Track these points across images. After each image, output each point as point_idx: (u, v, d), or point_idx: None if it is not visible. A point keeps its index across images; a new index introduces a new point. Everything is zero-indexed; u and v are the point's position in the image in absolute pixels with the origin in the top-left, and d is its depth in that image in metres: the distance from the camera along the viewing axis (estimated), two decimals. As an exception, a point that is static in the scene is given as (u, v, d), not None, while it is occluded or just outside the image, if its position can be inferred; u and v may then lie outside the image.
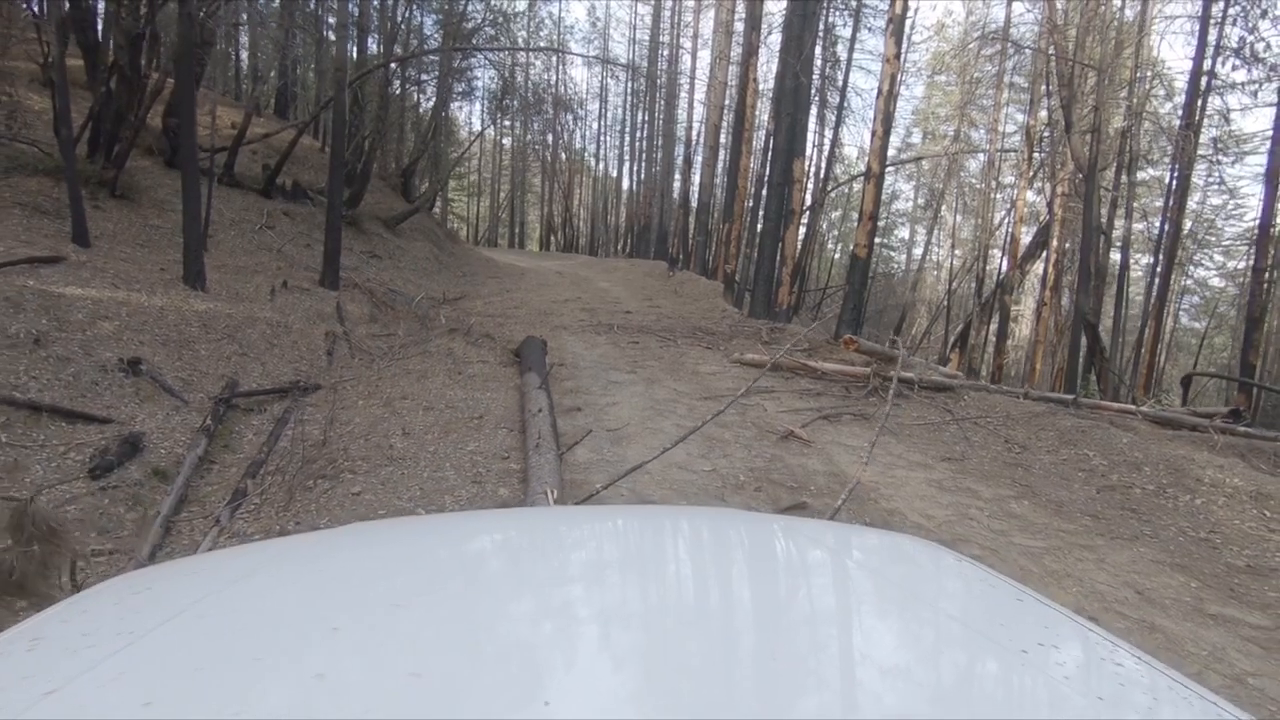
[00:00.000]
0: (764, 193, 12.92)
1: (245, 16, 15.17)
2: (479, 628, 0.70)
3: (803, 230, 18.57)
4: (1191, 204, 20.48)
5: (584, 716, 0.54)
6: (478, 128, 35.69)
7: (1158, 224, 13.78)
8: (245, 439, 5.03)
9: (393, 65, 14.72)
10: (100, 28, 10.93)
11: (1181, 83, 12.51)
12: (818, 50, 16.98)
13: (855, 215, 27.52)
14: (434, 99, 18.49)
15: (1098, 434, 5.07)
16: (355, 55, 14.44)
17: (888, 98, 9.27)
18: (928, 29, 29.06)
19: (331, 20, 17.88)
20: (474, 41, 17.63)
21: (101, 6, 11.18)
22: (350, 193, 12.99)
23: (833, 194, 24.10)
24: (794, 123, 10.05)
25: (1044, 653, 0.74)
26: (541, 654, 0.66)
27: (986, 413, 5.69)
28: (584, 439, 4.40)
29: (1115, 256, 13.81)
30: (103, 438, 4.25)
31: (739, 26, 18.52)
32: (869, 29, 18.04)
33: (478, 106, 31.06)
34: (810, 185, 20.10)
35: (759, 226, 13.75)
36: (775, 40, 16.74)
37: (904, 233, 31.56)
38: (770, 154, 11.70)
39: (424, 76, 18.17)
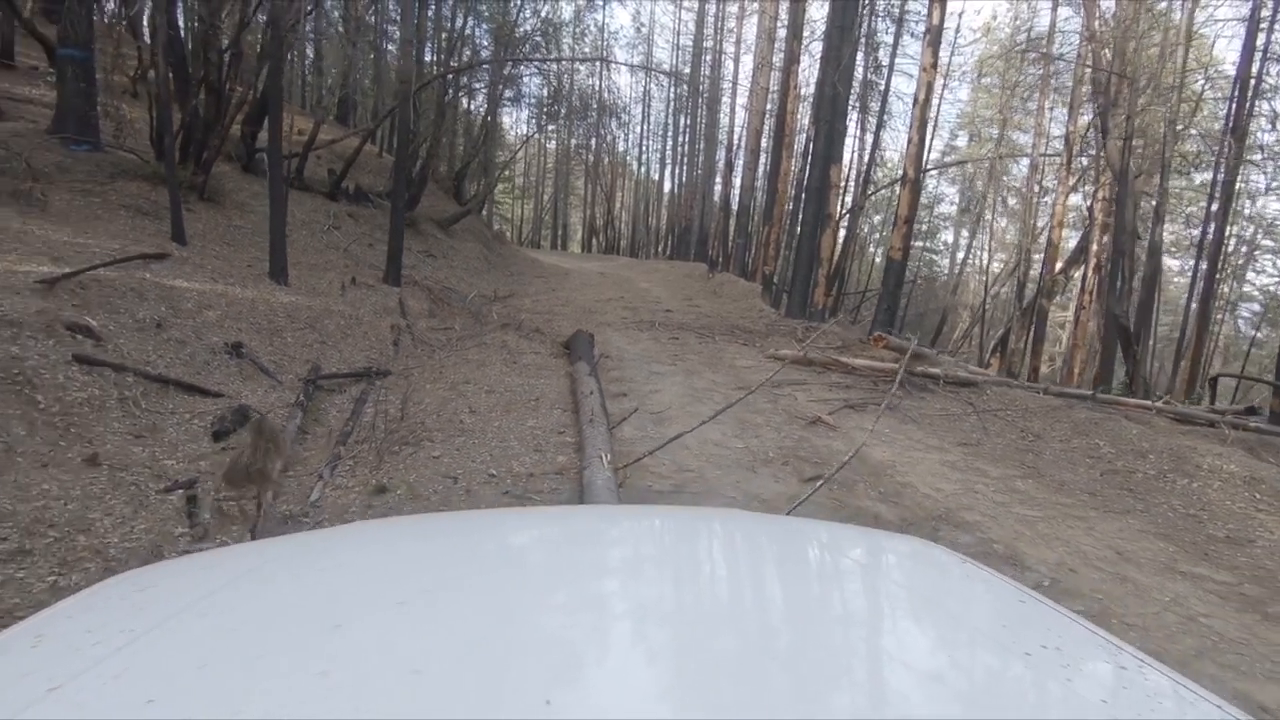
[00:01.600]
0: (803, 197, 13.29)
1: (310, 29, 16.21)
2: (482, 626, 0.71)
3: (842, 233, 18.84)
4: (1251, 209, 20.07)
5: (584, 717, 0.55)
6: (523, 131, 36.74)
7: (1208, 230, 13.68)
8: (330, 415, 5.70)
9: (447, 75, 15.53)
10: (187, 43, 11.88)
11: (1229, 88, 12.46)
12: (859, 57, 17.26)
13: (921, 216, 27.58)
14: (485, 106, 19.34)
15: (1110, 425, 5.39)
16: (401, 61, 15.29)
17: (924, 105, 9.58)
18: (974, 30, 28.86)
19: (388, 29, 18.85)
20: (523, 49, 18.43)
21: (180, 19, 12.14)
22: (408, 196, 13.79)
23: (874, 198, 24.25)
24: (831, 130, 10.42)
25: (1047, 655, 0.74)
26: (544, 653, 0.66)
27: (1006, 406, 6.04)
28: (630, 417, 4.93)
29: (1172, 263, 13.80)
30: (217, 408, 4.94)
31: (781, 33, 18.90)
32: (911, 34, 18.22)
33: (524, 112, 31.91)
34: (852, 188, 20.34)
35: (798, 229, 14.13)
36: (817, 47, 17.09)
37: (949, 236, 31.38)
38: (809, 159, 12.08)
39: (476, 84, 19.02)
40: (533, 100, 20.99)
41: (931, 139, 38.48)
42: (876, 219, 31.87)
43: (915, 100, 9.64)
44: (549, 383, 6.21)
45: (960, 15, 44.99)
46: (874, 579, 1.02)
